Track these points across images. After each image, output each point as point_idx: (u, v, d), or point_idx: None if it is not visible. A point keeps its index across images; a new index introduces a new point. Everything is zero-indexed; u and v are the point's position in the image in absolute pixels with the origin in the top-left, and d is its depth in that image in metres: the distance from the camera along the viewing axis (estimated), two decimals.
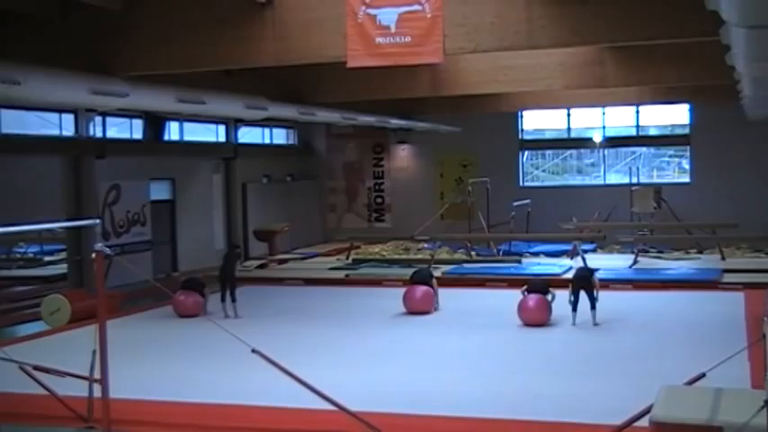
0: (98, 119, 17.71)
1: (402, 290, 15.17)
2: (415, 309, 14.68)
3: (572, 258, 20.22)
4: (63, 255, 19.49)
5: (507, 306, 13.91)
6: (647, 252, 21.66)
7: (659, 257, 21.33)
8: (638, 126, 26.75)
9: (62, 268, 18.88)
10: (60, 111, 16.87)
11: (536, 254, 22.31)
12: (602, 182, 27.21)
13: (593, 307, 13.26)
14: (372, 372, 10.50)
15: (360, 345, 12.33)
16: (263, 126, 24.85)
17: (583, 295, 13.32)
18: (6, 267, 21.69)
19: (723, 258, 20.30)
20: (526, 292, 13.69)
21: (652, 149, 27.27)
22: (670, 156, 27.24)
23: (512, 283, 16.51)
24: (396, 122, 24.34)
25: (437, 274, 17.28)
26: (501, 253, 22.45)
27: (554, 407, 8.63)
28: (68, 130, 17.31)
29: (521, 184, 27.43)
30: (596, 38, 11.94)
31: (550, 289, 13.73)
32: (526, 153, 27.82)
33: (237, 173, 23.53)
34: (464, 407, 8.64)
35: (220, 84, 16.83)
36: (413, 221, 24.16)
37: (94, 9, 12.38)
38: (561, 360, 11.09)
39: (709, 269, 18.89)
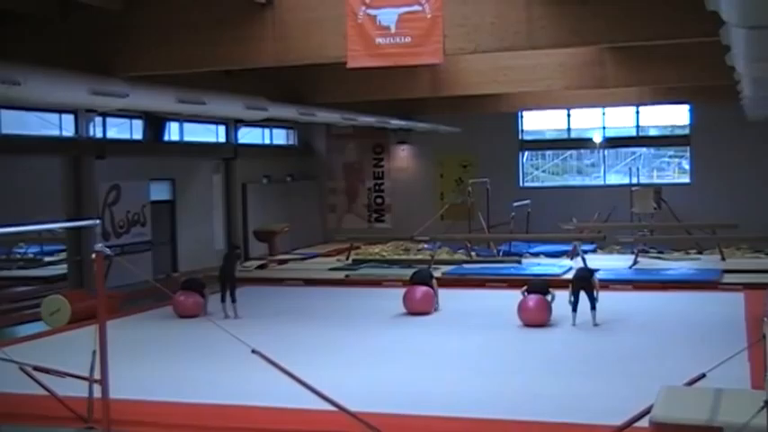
0: (98, 119, 17.71)
1: (402, 290, 15.16)
2: (415, 309, 14.68)
3: (572, 259, 20.22)
4: (63, 255, 19.49)
5: (507, 306, 13.91)
6: (647, 252, 21.65)
7: (659, 258, 21.33)
8: (638, 126, 26.76)
9: (62, 269, 18.88)
10: (60, 111, 16.87)
11: (536, 254, 22.31)
12: (602, 182, 27.22)
13: (593, 307, 13.25)
14: (372, 372, 10.50)
15: (360, 345, 12.33)
16: (263, 126, 24.85)
17: (583, 296, 13.31)
18: (6, 268, 21.69)
19: (723, 259, 20.30)
20: (526, 293, 13.69)
21: (652, 150, 27.28)
22: (670, 156, 27.25)
23: (512, 283, 16.51)
24: (396, 123, 24.34)
25: (437, 274, 17.28)
26: (501, 253, 22.45)
27: (554, 407, 8.63)
28: (68, 131, 17.31)
29: (521, 184, 27.43)
30: (596, 38, 11.94)
31: (550, 289, 13.73)
32: (526, 153, 27.83)
33: (237, 173, 23.53)
34: (464, 407, 8.64)
35: (220, 84, 16.82)
36: (413, 222, 24.16)
37: (94, 9, 12.37)
38: (561, 360, 11.09)
39: (709, 270, 18.89)
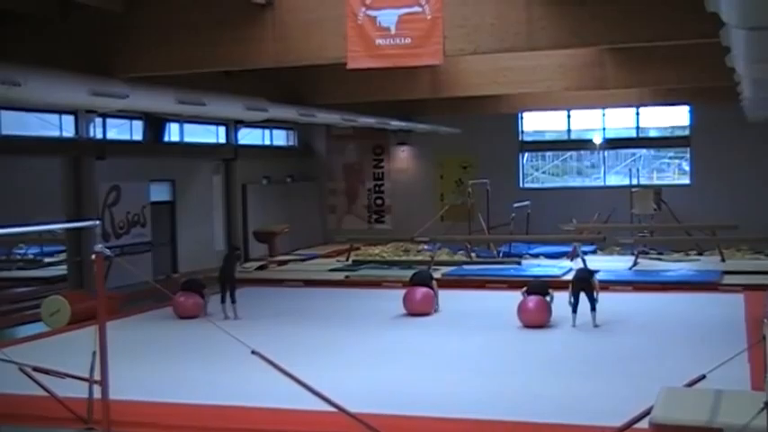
0: (98, 120, 17.72)
1: (402, 291, 15.16)
2: (415, 310, 14.67)
3: (572, 260, 20.22)
4: (63, 256, 19.49)
5: (507, 307, 13.90)
6: (647, 254, 21.65)
7: (659, 259, 21.33)
8: (638, 128, 26.76)
9: (62, 269, 18.88)
10: (60, 112, 16.88)
11: (536, 255, 22.30)
12: (602, 183, 27.23)
13: (593, 308, 13.25)
14: (372, 373, 10.50)
15: (360, 346, 12.33)
16: (263, 127, 24.85)
17: (583, 297, 13.31)
18: (6, 268, 21.69)
19: (723, 260, 20.30)
20: (526, 294, 13.69)
21: (652, 151, 27.28)
22: (670, 157, 27.25)
23: (512, 284, 16.52)
24: (396, 124, 24.35)
25: (437, 275, 17.30)
26: (501, 254, 22.45)
27: (554, 408, 8.63)
28: (68, 132, 17.31)
29: (521, 185, 27.43)
30: (596, 39, 11.94)
31: (549, 290, 13.73)
32: (526, 154, 27.83)
33: (237, 174, 23.54)
34: (464, 408, 8.64)
35: (220, 85, 16.82)
36: (413, 223, 24.18)
37: (94, 9, 12.38)
38: (561, 361, 11.08)
39: (709, 271, 18.88)
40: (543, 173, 28.15)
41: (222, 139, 23.18)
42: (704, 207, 24.26)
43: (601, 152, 27.20)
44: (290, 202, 26.27)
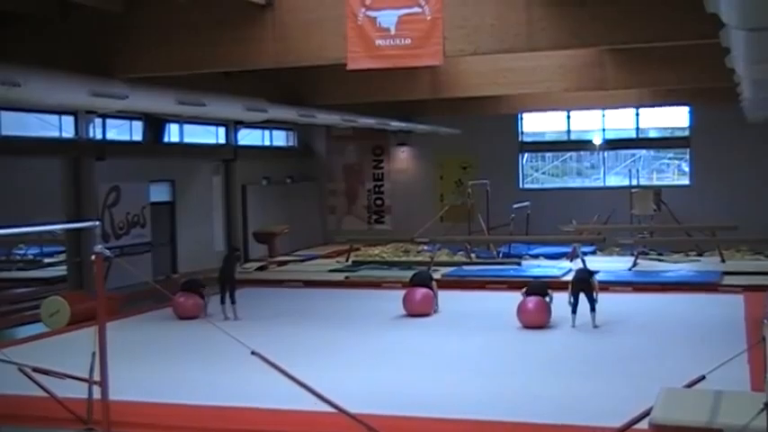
0: (98, 120, 17.72)
1: (402, 292, 15.17)
2: (415, 311, 14.67)
3: (572, 261, 20.23)
4: (63, 257, 19.49)
5: (507, 308, 13.90)
6: (647, 254, 21.65)
7: (659, 260, 21.33)
8: (637, 128, 26.76)
9: (62, 270, 18.88)
10: (60, 112, 16.88)
11: (536, 256, 22.30)
12: (601, 184, 27.23)
13: (592, 309, 13.24)
14: (372, 374, 10.50)
15: (359, 347, 12.33)
16: (262, 128, 24.86)
17: (582, 297, 13.30)
18: (6, 269, 21.69)
19: (723, 261, 20.29)
20: (525, 295, 13.68)
21: (652, 152, 27.28)
22: (670, 158, 27.25)
23: (511, 285, 16.53)
24: (396, 124, 24.35)
25: (437, 276, 17.31)
26: (501, 255, 22.45)
27: (554, 408, 8.63)
28: (68, 132, 17.32)
29: (520, 186, 27.44)
30: (596, 40, 11.94)
31: (549, 291, 13.72)
32: (526, 155, 27.83)
33: (237, 175, 23.55)
34: (464, 409, 8.64)
35: (220, 85, 16.82)
36: (413, 223, 24.18)
37: (94, 10, 12.37)
38: (561, 362, 11.09)
39: (709, 271, 18.89)
40: (543, 173, 28.16)
41: (222, 140, 23.18)
42: (704, 208, 24.26)
43: (600, 153, 27.20)
44: (289, 202, 26.28)
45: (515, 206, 23.32)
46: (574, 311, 13.29)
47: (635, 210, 22.91)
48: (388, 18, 10.85)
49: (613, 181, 27.00)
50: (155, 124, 19.99)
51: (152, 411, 8.91)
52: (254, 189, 24.73)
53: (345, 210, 29.05)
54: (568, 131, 27.41)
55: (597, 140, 26.91)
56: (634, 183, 24.99)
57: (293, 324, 14.21)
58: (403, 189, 28.41)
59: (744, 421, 6.00)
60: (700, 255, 21.99)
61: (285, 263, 22.66)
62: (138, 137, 19.81)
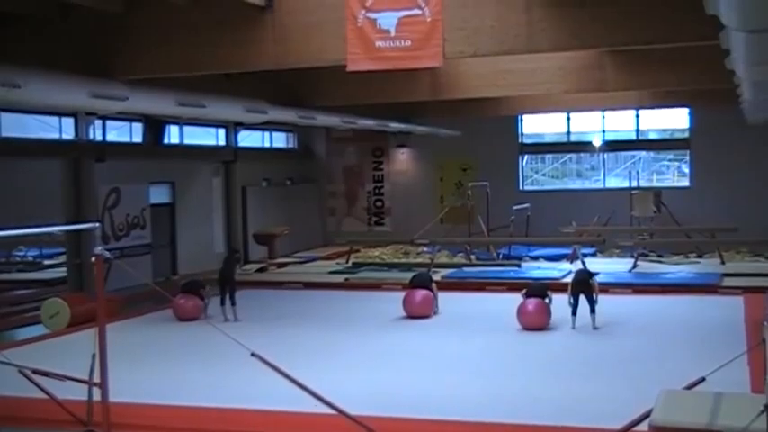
0: (98, 122, 17.73)
1: (402, 293, 15.16)
2: (415, 312, 14.67)
3: (572, 262, 20.22)
4: (62, 258, 19.48)
5: (507, 310, 13.90)
6: (647, 256, 21.65)
7: (659, 261, 21.33)
8: (637, 130, 26.78)
9: (62, 271, 18.88)
10: (60, 114, 16.88)
11: (536, 258, 22.30)
12: (601, 186, 27.24)
13: (592, 310, 13.23)
14: (372, 375, 10.50)
15: (359, 348, 12.33)
16: (262, 129, 24.87)
17: (582, 299, 13.29)
18: (6, 270, 21.68)
19: (723, 262, 20.28)
20: (525, 296, 13.68)
21: (652, 153, 27.30)
22: (669, 160, 27.26)
23: (511, 286, 16.52)
24: (395, 126, 24.36)
25: (437, 277, 17.31)
26: (501, 257, 22.45)
27: (554, 410, 8.63)
28: (68, 134, 17.32)
29: (520, 187, 27.45)
30: (596, 41, 11.93)
31: (549, 292, 13.72)
32: (526, 157, 27.84)
33: (237, 176, 23.55)
34: (464, 410, 8.64)
35: (220, 87, 16.83)
36: (412, 225, 24.19)
37: (94, 11, 12.37)
38: (561, 363, 11.08)
39: (709, 273, 18.89)
40: (543, 175, 28.16)
41: (222, 142, 23.19)
42: (704, 209, 24.25)
43: (600, 154, 27.21)
44: (289, 204, 26.28)
45: (515, 208, 23.31)
46: (574, 313, 13.28)
47: (635, 211, 22.90)
48: (388, 20, 10.85)
49: (613, 182, 27.00)
50: (155, 126, 20.00)
51: (152, 413, 8.91)
52: (253, 191, 24.74)
53: (345, 211, 29.05)
54: (568, 133, 27.42)
55: (597, 142, 26.92)
56: (634, 184, 24.96)
57: (293, 326, 14.20)
58: (403, 191, 28.41)
59: (744, 423, 6.00)
60: (700, 256, 21.99)
61: (285, 264, 22.66)
62: (138, 138, 19.81)
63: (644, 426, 7.15)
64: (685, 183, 26.26)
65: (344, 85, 17.86)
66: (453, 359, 11.47)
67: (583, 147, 27.35)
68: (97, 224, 10.73)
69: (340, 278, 19.91)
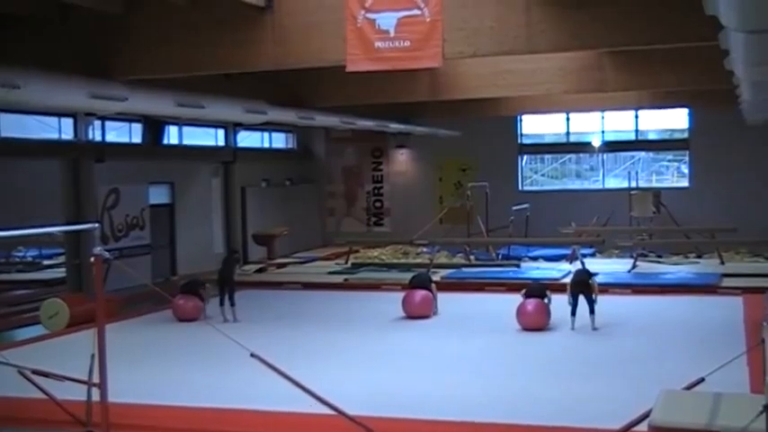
0: (97, 123, 17.71)
1: (401, 294, 15.16)
2: (414, 313, 14.66)
3: (571, 263, 20.22)
4: (62, 258, 19.47)
5: (506, 310, 13.90)
6: (646, 256, 21.66)
7: (658, 262, 21.34)
8: (637, 130, 26.78)
9: (61, 272, 18.87)
10: (59, 114, 16.88)
11: (535, 258, 22.30)
12: (601, 186, 27.24)
13: (591, 311, 13.23)
14: (371, 376, 10.49)
15: (359, 349, 12.32)
16: (262, 130, 24.87)
17: (582, 299, 13.29)
18: (5, 271, 21.67)
19: (722, 263, 20.29)
20: (525, 297, 13.67)
21: (651, 154, 27.30)
22: (669, 160, 27.26)
23: (511, 287, 16.51)
24: (395, 126, 24.36)
25: (436, 278, 17.30)
26: (500, 257, 22.45)
27: (553, 410, 8.63)
28: (67, 134, 17.31)
29: (520, 188, 27.45)
30: (596, 42, 11.94)
31: (548, 292, 13.72)
32: (525, 157, 27.84)
33: (236, 177, 23.54)
34: (463, 411, 8.63)
35: (219, 87, 16.83)
36: (412, 225, 24.18)
37: (94, 11, 12.38)
38: (560, 364, 11.08)
39: (708, 273, 18.89)
40: (542, 176, 28.17)
41: (221, 142, 23.18)
42: (703, 210, 24.26)
43: (600, 155, 27.21)
44: (288, 204, 26.27)
45: (515, 208, 23.31)
46: (573, 313, 13.27)
47: (634, 212, 22.90)
48: (387, 20, 10.86)
49: (613, 183, 27.00)
50: (154, 126, 19.99)
51: (151, 413, 8.91)
52: (253, 191, 24.73)
53: (344, 212, 29.05)
54: (568, 133, 27.42)
55: (596, 142, 26.92)
56: (633, 185, 24.97)
57: (292, 326, 14.20)
58: (402, 191, 28.41)
59: (743, 423, 6.00)
60: (699, 257, 22.00)
61: (284, 265, 22.65)
62: (137, 139, 19.81)
63: (643, 426, 7.16)
64: (685, 183, 26.26)
65: (344, 86, 17.87)
66: (453, 359, 11.47)
67: (582, 147, 27.35)
68: (96, 224, 10.73)
69: (339, 279, 19.91)
